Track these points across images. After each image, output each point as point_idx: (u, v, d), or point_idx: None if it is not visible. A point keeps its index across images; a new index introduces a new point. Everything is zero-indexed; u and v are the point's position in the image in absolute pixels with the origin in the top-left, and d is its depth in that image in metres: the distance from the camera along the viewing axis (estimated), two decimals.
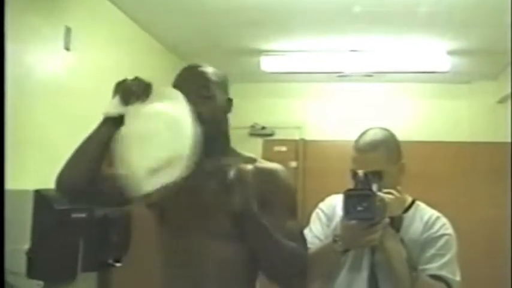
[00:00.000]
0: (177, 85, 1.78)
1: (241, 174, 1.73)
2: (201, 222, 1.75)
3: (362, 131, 2.06)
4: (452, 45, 4.73)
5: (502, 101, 5.50)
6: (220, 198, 1.71)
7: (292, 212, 1.80)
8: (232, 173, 1.74)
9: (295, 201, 1.84)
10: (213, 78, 1.80)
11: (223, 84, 1.84)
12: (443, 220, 2.01)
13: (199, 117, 1.72)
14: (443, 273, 1.89)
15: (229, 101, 1.85)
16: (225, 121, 1.86)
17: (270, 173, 1.81)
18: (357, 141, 2.02)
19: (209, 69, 1.82)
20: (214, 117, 1.78)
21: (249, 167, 1.80)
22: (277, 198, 1.77)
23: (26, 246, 2.51)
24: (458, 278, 1.93)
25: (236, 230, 1.71)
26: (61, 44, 3.18)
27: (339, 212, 1.86)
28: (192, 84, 1.75)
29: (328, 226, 2.05)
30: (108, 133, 1.72)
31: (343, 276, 1.99)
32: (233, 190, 1.67)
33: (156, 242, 1.87)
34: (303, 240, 1.81)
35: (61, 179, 1.75)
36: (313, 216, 2.12)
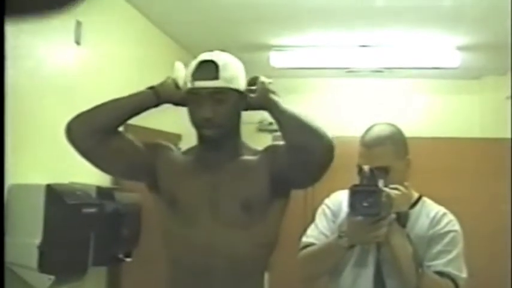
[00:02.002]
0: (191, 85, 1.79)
1: (251, 167, 1.81)
2: (212, 211, 1.77)
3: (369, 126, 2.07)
4: (462, 40, 4.71)
5: (510, 97, 5.47)
6: (231, 186, 1.77)
7: None
8: (243, 167, 1.81)
9: None
10: (233, 84, 1.79)
11: (240, 89, 1.84)
12: (450, 216, 2.01)
13: (210, 121, 1.74)
14: (449, 269, 1.90)
15: (244, 96, 1.84)
16: (238, 119, 1.87)
17: (275, 145, 1.87)
18: (363, 136, 2.03)
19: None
20: (226, 122, 1.80)
21: (258, 156, 1.86)
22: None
23: (38, 240, 2.54)
24: (464, 274, 1.93)
25: (246, 218, 1.74)
26: (71, 37, 3.19)
27: (345, 207, 1.87)
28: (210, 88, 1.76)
29: (334, 222, 2.06)
30: (144, 103, 1.81)
31: (348, 272, 2.00)
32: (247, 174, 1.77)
33: (163, 232, 1.89)
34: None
35: (82, 115, 1.79)
36: (319, 212, 2.13)
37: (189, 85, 1.77)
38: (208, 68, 1.75)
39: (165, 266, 1.90)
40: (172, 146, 1.94)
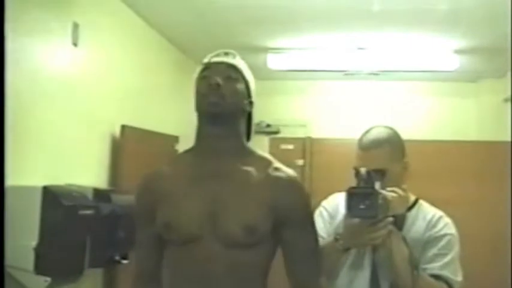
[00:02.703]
0: (208, 63, 1.79)
1: (254, 187, 1.73)
2: (212, 228, 1.70)
3: (366, 129, 2.07)
4: (459, 43, 4.73)
5: (508, 99, 5.49)
6: (232, 208, 1.71)
7: (307, 229, 1.80)
8: (245, 183, 1.74)
9: (310, 217, 1.83)
10: (244, 71, 1.82)
11: (249, 83, 1.84)
12: (446, 220, 2.01)
13: (218, 89, 1.71)
14: (444, 273, 1.90)
15: (251, 103, 1.83)
16: (243, 118, 1.82)
17: (286, 187, 1.76)
18: (360, 138, 2.02)
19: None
20: (234, 99, 1.75)
21: (263, 175, 1.76)
22: (294, 215, 1.75)
23: (34, 242, 2.53)
24: (459, 278, 1.93)
25: (248, 237, 1.69)
26: (69, 39, 3.19)
27: (342, 210, 1.86)
28: (222, 65, 1.77)
29: (330, 224, 2.06)
30: None
31: (344, 274, 2.00)
32: (247, 204, 1.71)
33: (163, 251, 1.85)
34: (316, 261, 1.80)
35: None
36: (316, 213, 2.11)
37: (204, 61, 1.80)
38: (226, 53, 1.81)
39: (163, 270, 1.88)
40: (158, 171, 1.85)
